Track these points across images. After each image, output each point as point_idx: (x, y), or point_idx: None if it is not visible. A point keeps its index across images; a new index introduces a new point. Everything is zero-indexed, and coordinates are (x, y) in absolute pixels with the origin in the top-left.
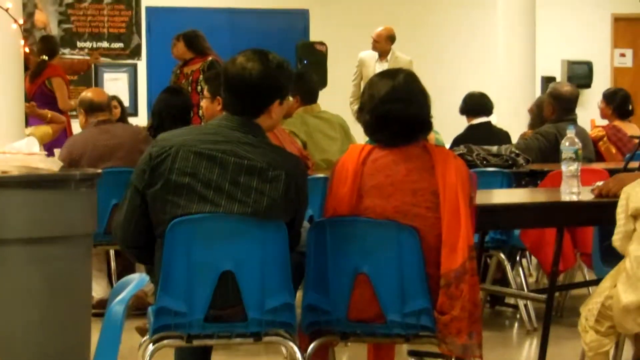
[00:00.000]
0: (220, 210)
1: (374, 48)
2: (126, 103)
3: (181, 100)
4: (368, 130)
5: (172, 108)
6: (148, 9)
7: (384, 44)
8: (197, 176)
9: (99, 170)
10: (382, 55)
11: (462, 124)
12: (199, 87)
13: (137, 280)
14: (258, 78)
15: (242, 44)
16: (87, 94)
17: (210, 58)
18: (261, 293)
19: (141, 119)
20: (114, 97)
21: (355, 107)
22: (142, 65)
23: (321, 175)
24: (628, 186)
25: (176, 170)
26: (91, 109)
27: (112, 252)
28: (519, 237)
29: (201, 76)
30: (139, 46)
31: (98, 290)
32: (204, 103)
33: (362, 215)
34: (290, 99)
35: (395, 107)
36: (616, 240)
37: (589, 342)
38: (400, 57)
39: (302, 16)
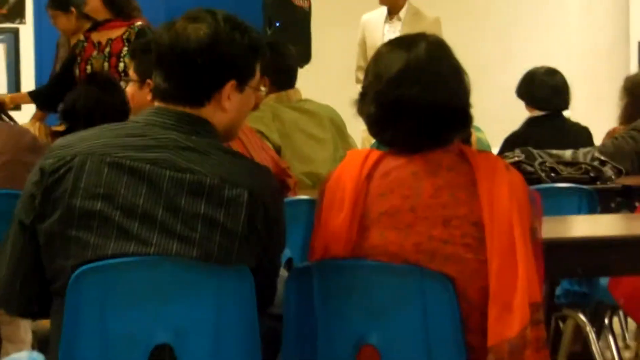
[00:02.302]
0: (150, 251)
1: (382, 0)
2: (3, 88)
3: (119, 99)
4: (374, 128)
5: (107, 109)
6: None
7: None
8: (114, 199)
9: None
10: (393, 10)
11: (518, 116)
12: (122, 65)
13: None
14: (199, 44)
15: (182, 3)
16: None
17: (139, 23)
18: None
19: (25, 114)
20: None
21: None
22: (26, 30)
23: (305, 196)
24: None
25: (82, 192)
26: None
27: None
28: (607, 290)
29: (125, 48)
30: (21, 3)
31: None
32: (129, 89)
33: (368, 256)
34: (263, 88)
35: (412, 92)
36: None
37: None
38: (421, 14)
39: None
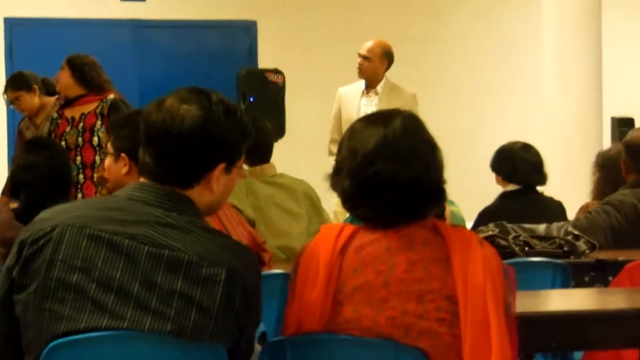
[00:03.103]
0: (124, 326)
1: (362, 71)
2: None
3: (61, 161)
4: (349, 203)
5: (54, 172)
6: (8, 20)
7: (377, 62)
8: (91, 272)
9: None
10: (371, 84)
11: (492, 189)
12: (96, 139)
13: None
14: (192, 127)
15: (156, 75)
16: None
17: (111, 96)
18: None
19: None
20: None
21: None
22: None
23: (279, 270)
24: None
25: (59, 263)
26: None
27: None
28: None
29: (98, 122)
30: None
31: None
32: (106, 161)
33: (342, 331)
34: (245, 167)
35: (388, 167)
36: None
37: None
38: (398, 88)
39: (246, 32)
